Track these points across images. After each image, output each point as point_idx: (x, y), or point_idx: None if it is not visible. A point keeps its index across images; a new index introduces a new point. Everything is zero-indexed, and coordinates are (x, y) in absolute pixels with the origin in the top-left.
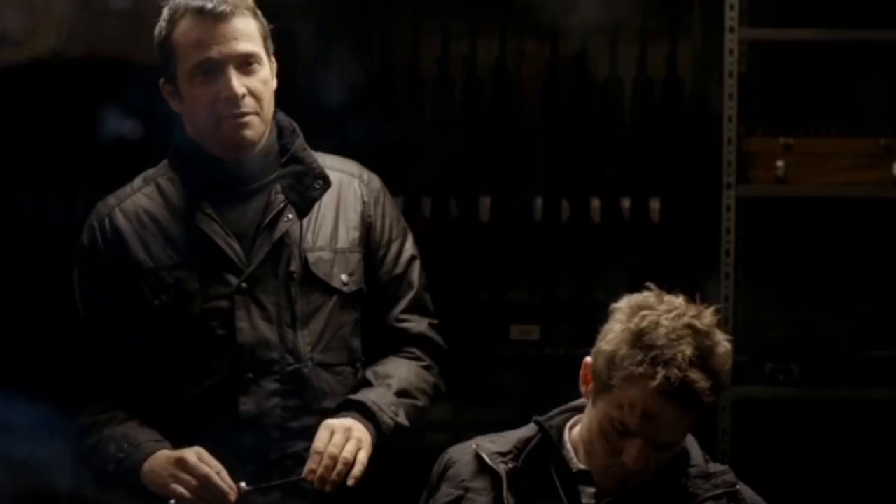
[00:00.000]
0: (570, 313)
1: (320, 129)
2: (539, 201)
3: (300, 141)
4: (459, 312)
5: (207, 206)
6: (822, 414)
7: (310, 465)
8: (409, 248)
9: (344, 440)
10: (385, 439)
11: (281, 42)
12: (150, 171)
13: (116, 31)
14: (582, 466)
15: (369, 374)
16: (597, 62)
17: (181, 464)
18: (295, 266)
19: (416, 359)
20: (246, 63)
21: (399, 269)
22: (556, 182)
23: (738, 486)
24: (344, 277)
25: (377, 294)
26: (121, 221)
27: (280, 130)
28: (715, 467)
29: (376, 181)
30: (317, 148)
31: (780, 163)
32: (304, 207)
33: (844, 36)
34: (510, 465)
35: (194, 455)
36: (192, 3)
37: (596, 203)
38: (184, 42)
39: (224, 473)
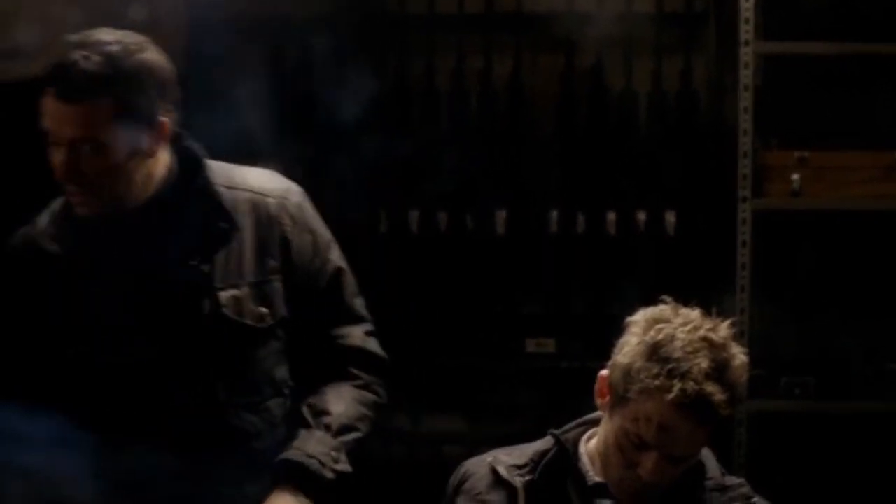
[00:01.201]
0: (585, 326)
1: (336, 143)
2: (554, 214)
3: (203, 177)
4: (475, 326)
5: (103, 262)
6: (837, 427)
7: None
8: (334, 260)
9: None
10: (328, 489)
11: (297, 57)
12: (56, 204)
13: None
14: (598, 479)
15: (305, 410)
16: (612, 76)
17: None
18: (206, 308)
19: (354, 378)
20: (89, 145)
21: (324, 284)
22: (571, 195)
23: (754, 500)
24: (263, 310)
25: (307, 311)
26: (27, 260)
27: (185, 167)
28: (731, 480)
29: (294, 196)
30: (331, 164)
31: (795, 176)
32: (209, 250)
33: (859, 49)
34: (526, 479)
35: None
36: (55, 70)
37: (611, 216)
38: (42, 109)
39: None
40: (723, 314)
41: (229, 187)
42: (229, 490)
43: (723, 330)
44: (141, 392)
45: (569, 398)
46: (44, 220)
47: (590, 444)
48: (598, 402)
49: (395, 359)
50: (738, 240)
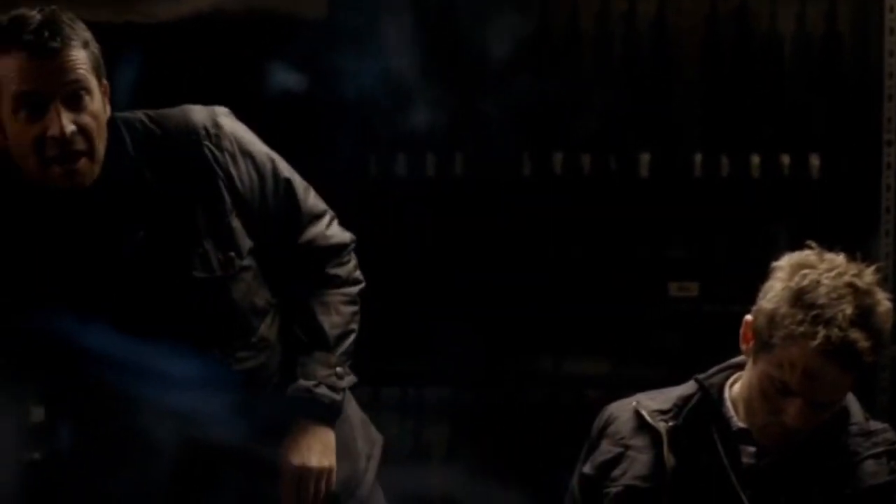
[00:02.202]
0: (729, 270)
1: (482, 86)
2: (698, 157)
3: (127, 150)
4: (618, 269)
5: (59, 243)
6: None
7: None
8: (280, 173)
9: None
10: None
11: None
12: None
13: None
14: (742, 425)
15: (298, 331)
16: (757, 18)
17: None
18: (177, 279)
19: (333, 278)
20: (75, 95)
21: (277, 201)
22: (715, 138)
23: None
24: (229, 255)
25: (270, 232)
26: None
27: (114, 150)
28: (875, 425)
29: (222, 122)
30: (475, 107)
31: None
32: (151, 213)
33: None
34: (670, 423)
35: None
36: (17, 35)
37: (756, 159)
38: (6, 74)
39: None
40: (868, 259)
41: (155, 143)
42: (260, 428)
43: (868, 275)
44: (134, 366)
45: (712, 342)
46: None
47: (734, 390)
48: (743, 347)
49: (538, 301)
50: (882, 184)
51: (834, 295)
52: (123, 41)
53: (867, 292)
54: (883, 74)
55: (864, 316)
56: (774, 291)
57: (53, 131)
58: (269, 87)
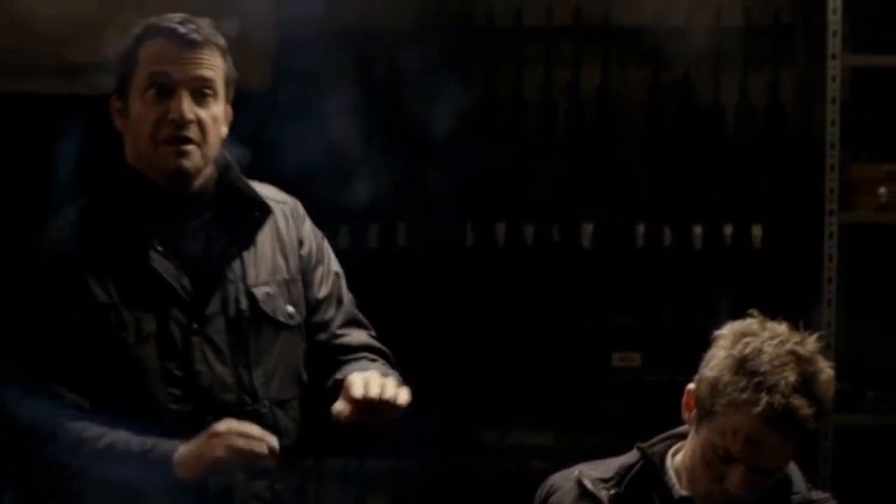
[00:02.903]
0: (672, 340)
1: (425, 156)
2: (641, 228)
3: (235, 171)
4: (561, 339)
5: (157, 243)
6: None
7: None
8: (335, 266)
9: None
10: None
11: (385, 70)
12: (82, 203)
13: None
14: (684, 493)
15: (340, 376)
16: (700, 89)
17: (215, 434)
18: (244, 304)
19: (370, 360)
20: (201, 91)
21: (328, 289)
22: (658, 209)
23: None
24: (290, 310)
25: (311, 315)
26: (71, 253)
27: (220, 169)
28: (817, 494)
29: (300, 206)
30: (419, 177)
31: (882, 189)
32: (245, 238)
33: None
34: (612, 492)
35: (223, 424)
36: (164, 23)
37: (698, 230)
38: (145, 56)
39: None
40: (810, 328)
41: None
42: (259, 486)
43: (810, 343)
44: (187, 384)
45: (655, 412)
46: (72, 216)
47: (676, 458)
48: (685, 415)
49: (481, 372)
50: (825, 253)
51: (776, 362)
52: (68, 112)
53: (809, 360)
54: (825, 144)
55: (807, 383)
56: (717, 360)
57: (174, 114)
58: None
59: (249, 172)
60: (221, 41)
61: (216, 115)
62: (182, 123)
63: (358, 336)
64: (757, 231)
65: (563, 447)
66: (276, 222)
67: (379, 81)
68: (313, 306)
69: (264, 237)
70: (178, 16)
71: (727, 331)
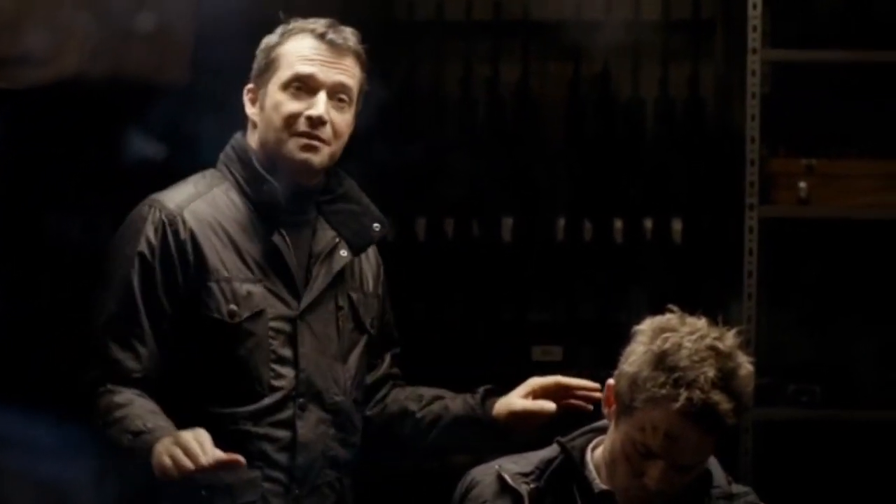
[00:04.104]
0: (592, 334)
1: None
2: (562, 222)
3: (351, 182)
4: (482, 333)
5: (268, 227)
6: (844, 435)
7: None
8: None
9: None
10: None
11: None
12: (199, 178)
13: (140, 52)
14: (604, 487)
15: (418, 400)
16: (619, 83)
17: (178, 440)
18: (343, 302)
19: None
20: (339, 97)
21: (390, 319)
22: (578, 203)
23: None
24: (371, 321)
25: (377, 338)
26: (193, 223)
27: (329, 174)
28: (738, 488)
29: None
30: (360, 169)
31: (802, 184)
32: (359, 247)
33: (867, 57)
34: (532, 486)
35: (191, 434)
36: (313, 25)
37: (618, 224)
38: (292, 52)
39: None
40: (730, 322)
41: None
42: (331, 475)
43: (729, 339)
44: (289, 364)
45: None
46: (197, 188)
47: (596, 452)
48: (605, 410)
49: (401, 366)
50: (745, 247)
51: (696, 358)
52: None
53: (729, 355)
54: (745, 139)
55: (726, 379)
56: (636, 355)
57: (313, 111)
58: (130, 153)
59: (169, 167)
60: (362, 52)
61: (348, 120)
62: (318, 122)
63: (397, 370)
64: (677, 225)
65: None
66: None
67: None
68: (379, 330)
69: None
70: (327, 20)
71: (646, 326)
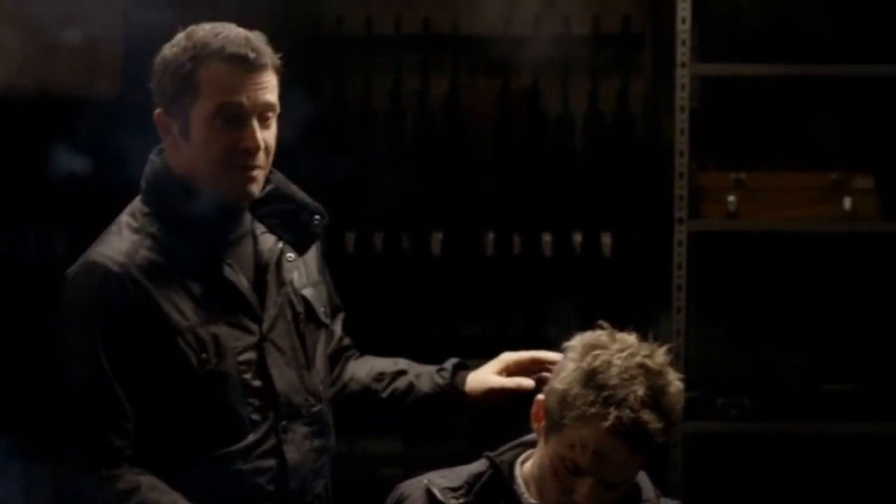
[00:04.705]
0: (522, 348)
1: (273, 164)
2: (491, 236)
3: (280, 177)
4: (411, 346)
5: (213, 256)
6: (773, 448)
7: None
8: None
9: None
10: None
11: None
12: (131, 220)
13: (68, 65)
14: (533, 502)
15: (379, 379)
16: (548, 97)
17: None
18: (299, 306)
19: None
20: (265, 116)
21: (330, 286)
22: (507, 217)
23: None
24: (322, 309)
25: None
26: (141, 279)
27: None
28: (666, 502)
29: None
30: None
31: (731, 198)
32: (305, 246)
33: (795, 71)
34: (461, 501)
35: None
36: (227, 47)
37: (547, 238)
38: (211, 82)
39: None
40: (659, 336)
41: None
42: (319, 485)
43: (659, 356)
44: (264, 392)
45: (505, 421)
46: (132, 235)
47: (525, 467)
48: (534, 426)
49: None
50: (674, 261)
51: (626, 376)
52: None
53: (659, 373)
54: (674, 153)
55: (656, 397)
56: (566, 372)
57: (247, 143)
58: (59, 165)
59: (98, 179)
60: (276, 58)
61: (276, 134)
62: (254, 152)
63: (348, 339)
64: (606, 239)
65: (412, 455)
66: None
67: None
68: (334, 307)
69: None
70: (237, 35)
71: (577, 342)
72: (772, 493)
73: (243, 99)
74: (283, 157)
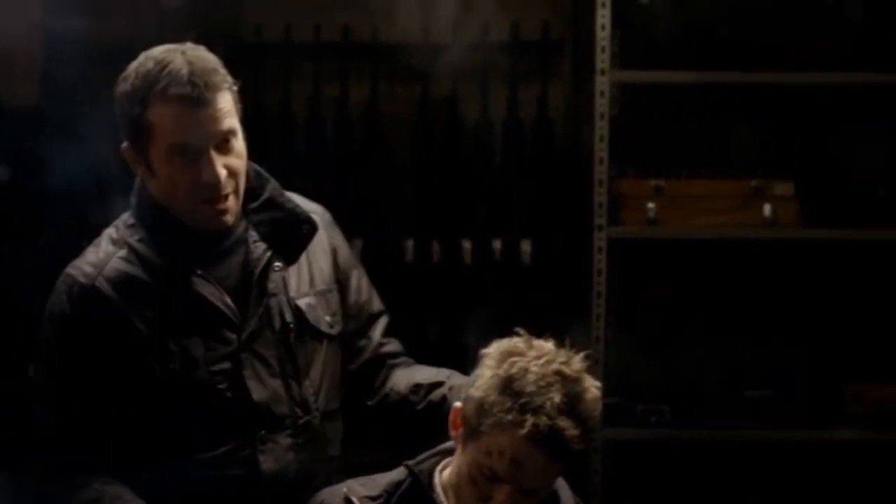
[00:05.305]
0: (440, 357)
1: None
2: (410, 243)
3: (272, 185)
4: None
5: (198, 268)
6: (693, 455)
7: None
8: (365, 275)
9: None
10: None
11: None
12: (113, 232)
13: None
14: None
15: (416, 391)
16: (467, 104)
17: None
18: (289, 316)
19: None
20: (224, 141)
21: (367, 294)
22: (427, 224)
23: None
24: (328, 319)
25: (349, 321)
26: (108, 290)
27: (253, 183)
28: None
29: (326, 212)
30: None
31: (651, 205)
32: (292, 255)
33: (714, 78)
34: None
35: None
36: (170, 87)
37: (467, 245)
38: (160, 125)
39: None
40: (578, 343)
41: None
42: (307, 497)
43: (576, 363)
44: (239, 402)
45: (424, 429)
46: (108, 246)
47: (444, 475)
48: (452, 433)
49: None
50: (593, 268)
51: (542, 383)
52: None
53: (576, 380)
54: (594, 160)
55: (572, 404)
56: (484, 379)
57: (208, 178)
58: None
59: (14, 187)
60: (226, 75)
61: (241, 151)
62: (217, 184)
63: (395, 345)
64: (526, 246)
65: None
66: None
67: None
68: (353, 312)
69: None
70: (180, 70)
71: (494, 350)
72: (691, 499)
73: (193, 137)
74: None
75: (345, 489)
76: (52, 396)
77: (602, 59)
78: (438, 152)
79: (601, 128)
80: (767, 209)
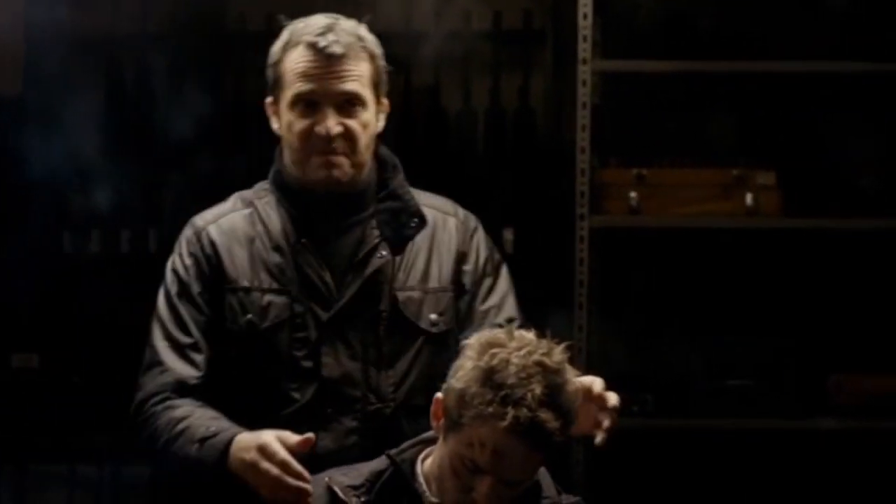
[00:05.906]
0: None
1: (174, 161)
2: None
3: (400, 178)
4: None
5: (304, 237)
6: (676, 444)
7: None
8: (504, 284)
9: None
10: None
11: (135, 75)
12: (247, 192)
13: None
14: (434, 500)
15: None
16: (449, 94)
17: (263, 450)
18: (384, 305)
19: None
20: (347, 103)
21: (494, 301)
22: None
23: None
24: (433, 317)
25: (475, 327)
26: (215, 236)
27: (382, 166)
28: (567, 499)
29: (472, 220)
30: (168, 182)
31: (633, 194)
32: (398, 245)
33: (696, 67)
34: (363, 499)
35: (275, 440)
36: (307, 34)
37: None
38: (291, 71)
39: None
40: (560, 332)
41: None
42: None
43: (557, 354)
44: (312, 374)
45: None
46: (235, 203)
47: (426, 465)
48: (433, 424)
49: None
50: (575, 257)
51: (523, 374)
52: None
53: (557, 371)
54: (576, 149)
55: (553, 395)
56: (465, 371)
57: (320, 129)
58: None
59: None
60: (369, 43)
61: (366, 121)
62: (329, 138)
63: None
64: (508, 235)
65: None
66: (435, 232)
67: (129, 86)
68: (478, 318)
69: (420, 245)
70: (321, 21)
71: (475, 341)
72: (674, 489)
73: (315, 87)
74: (186, 154)
75: (326, 478)
76: (161, 323)
77: (584, 49)
78: (420, 141)
79: (583, 117)
80: (749, 198)
